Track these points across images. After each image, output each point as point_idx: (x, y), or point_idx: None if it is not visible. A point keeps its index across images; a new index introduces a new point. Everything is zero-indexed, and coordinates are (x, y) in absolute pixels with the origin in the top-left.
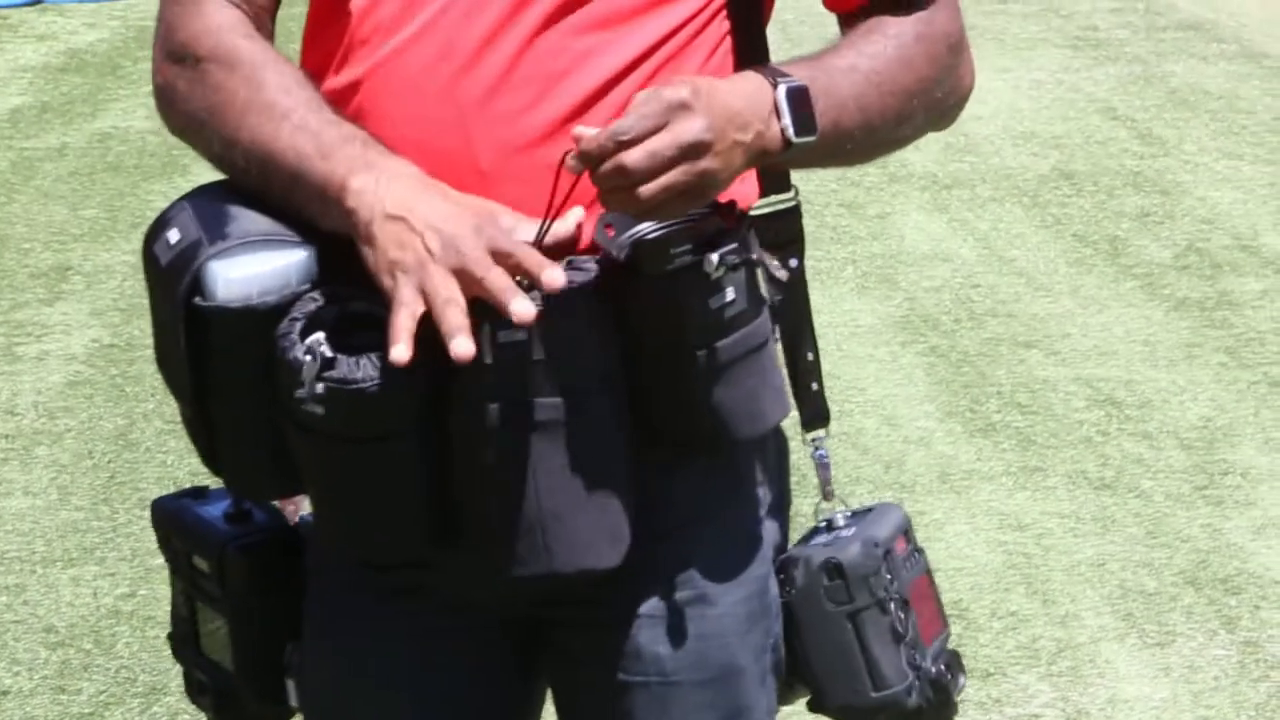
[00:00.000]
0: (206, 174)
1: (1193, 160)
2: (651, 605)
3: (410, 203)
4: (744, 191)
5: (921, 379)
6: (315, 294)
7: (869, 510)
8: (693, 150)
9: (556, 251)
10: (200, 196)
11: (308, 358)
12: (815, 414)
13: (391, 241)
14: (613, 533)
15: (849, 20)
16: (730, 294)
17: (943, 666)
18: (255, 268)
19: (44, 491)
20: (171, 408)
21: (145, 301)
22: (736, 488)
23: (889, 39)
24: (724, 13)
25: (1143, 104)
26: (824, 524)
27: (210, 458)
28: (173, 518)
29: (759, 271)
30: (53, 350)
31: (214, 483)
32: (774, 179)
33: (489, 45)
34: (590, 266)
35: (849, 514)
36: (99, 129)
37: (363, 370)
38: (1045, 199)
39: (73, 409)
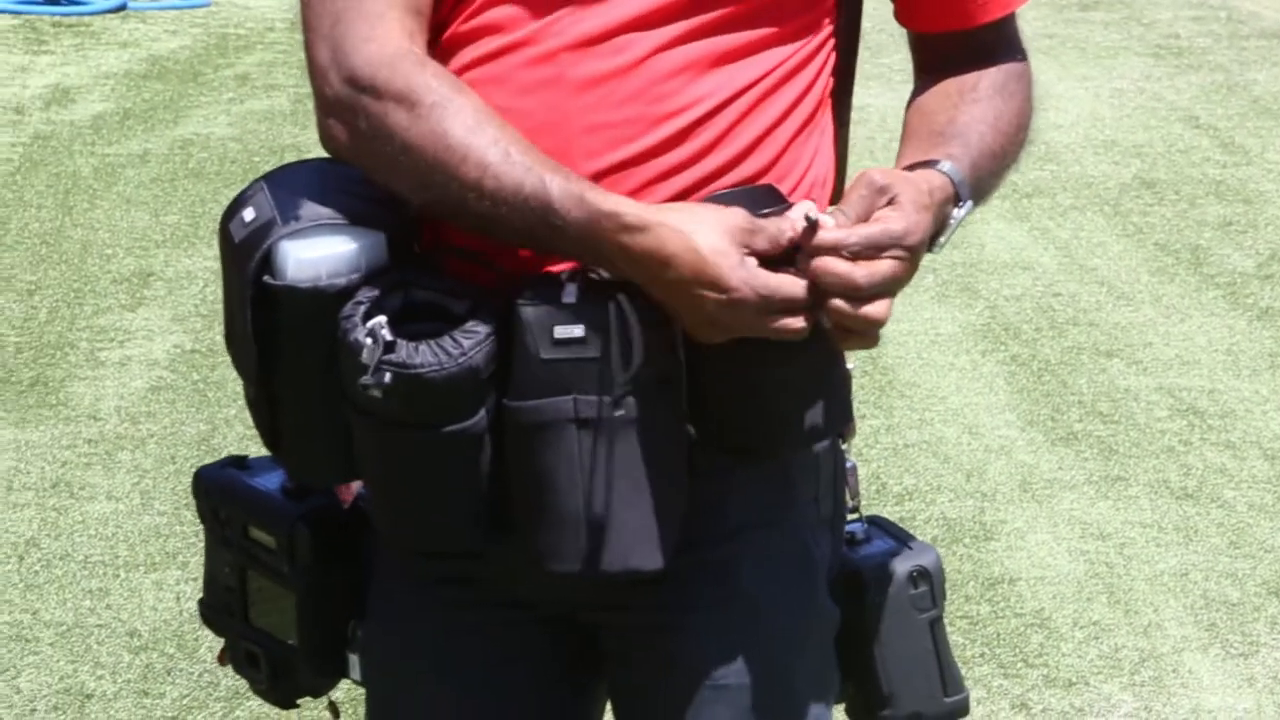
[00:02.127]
0: None
1: (1275, 169)
2: (704, 610)
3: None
4: (820, 197)
5: (1002, 388)
6: (383, 279)
7: (875, 520)
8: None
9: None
10: (278, 177)
11: (369, 341)
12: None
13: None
14: (661, 536)
15: (923, 41)
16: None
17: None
18: (326, 249)
19: (126, 496)
20: None
21: None
22: (792, 497)
23: (1008, 95)
24: (828, 47)
25: (1225, 112)
26: (844, 538)
27: (272, 440)
28: (225, 489)
29: None
30: (135, 356)
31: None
32: (840, 192)
33: (602, 59)
34: None
35: (863, 526)
36: (180, 135)
37: (422, 356)
38: (1127, 208)
39: (155, 414)
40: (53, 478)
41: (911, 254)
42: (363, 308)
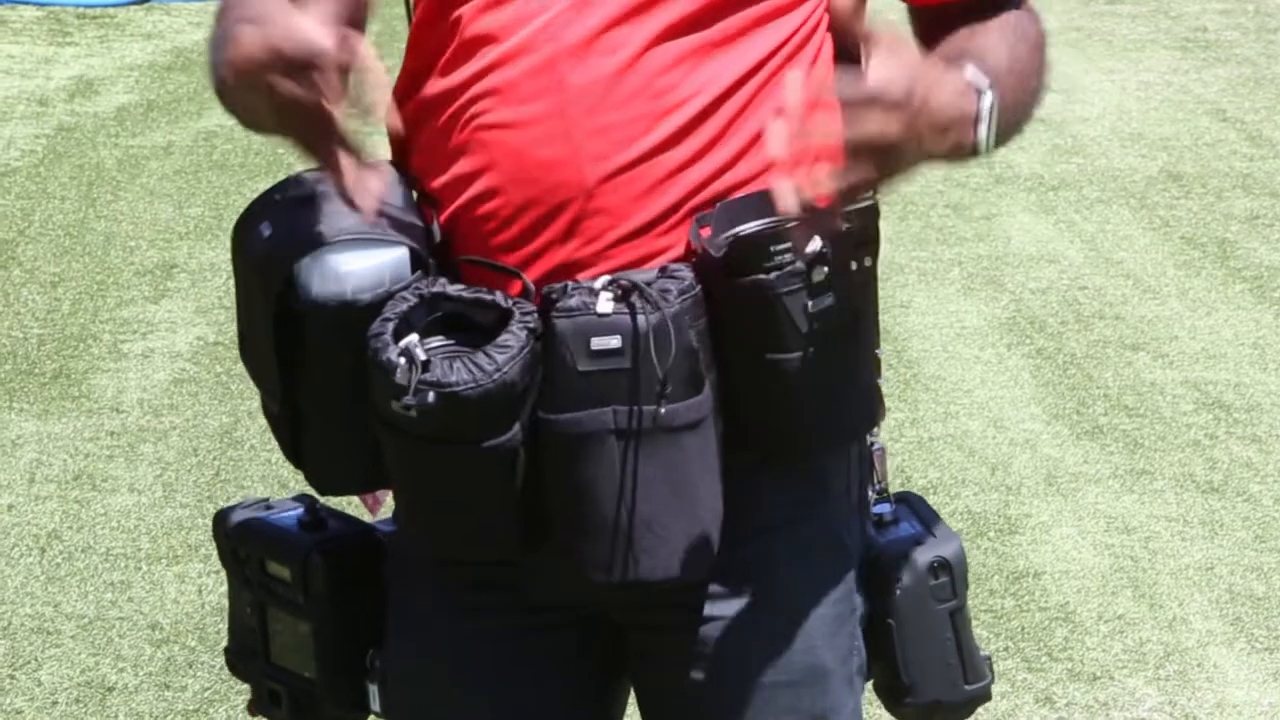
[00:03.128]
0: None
1: None
2: (738, 607)
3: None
4: None
5: (1028, 381)
6: (407, 293)
7: (906, 499)
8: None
9: (652, 261)
10: (292, 190)
11: (402, 360)
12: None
13: None
14: (702, 542)
15: (922, 14)
16: (829, 298)
17: (986, 652)
18: (352, 265)
19: (149, 489)
20: None
21: None
22: (824, 491)
23: (1020, 31)
24: (824, 25)
25: (1253, 105)
26: (872, 520)
27: (293, 451)
28: (242, 526)
29: (852, 271)
30: (158, 348)
31: (297, 489)
32: None
33: (600, 58)
34: (685, 273)
35: (891, 507)
36: (204, 127)
37: (457, 374)
38: (1153, 201)
39: (178, 406)
40: (75, 470)
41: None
42: (391, 324)
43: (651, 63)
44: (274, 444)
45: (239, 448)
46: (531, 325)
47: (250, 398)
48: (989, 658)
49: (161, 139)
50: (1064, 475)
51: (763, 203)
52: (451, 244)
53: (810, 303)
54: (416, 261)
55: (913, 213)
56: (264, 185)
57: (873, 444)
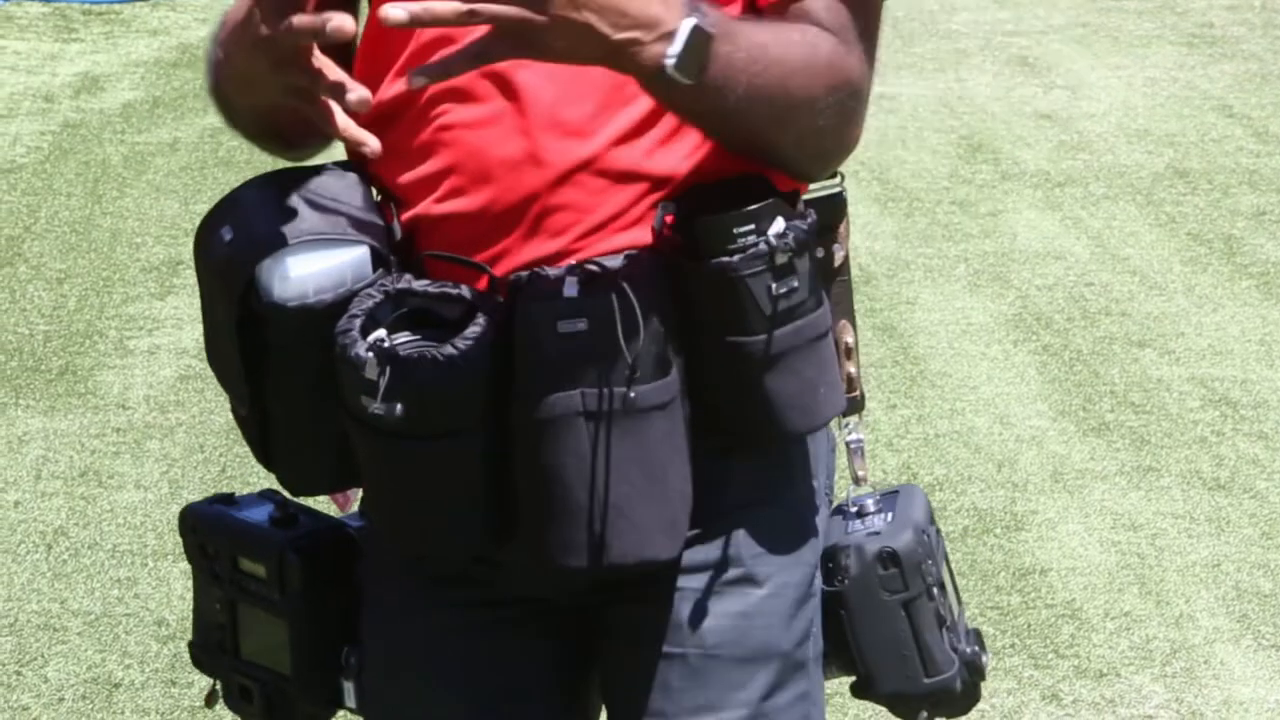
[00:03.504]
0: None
1: None
2: (698, 581)
3: None
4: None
5: (1034, 377)
6: (373, 290)
7: (895, 493)
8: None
9: (619, 243)
10: (251, 194)
11: (370, 355)
12: (851, 403)
13: None
14: (672, 524)
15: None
16: (794, 281)
17: (976, 646)
18: (312, 266)
19: (155, 485)
20: None
21: None
22: (790, 475)
23: (807, 43)
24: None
25: (1259, 101)
26: (853, 508)
27: (263, 453)
28: (212, 523)
29: (817, 259)
30: (164, 344)
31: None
32: None
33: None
34: (650, 259)
35: (877, 497)
36: (210, 124)
37: (424, 368)
38: (1159, 197)
39: (184, 403)
40: (81, 466)
41: None
42: (359, 320)
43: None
44: None
45: (245, 444)
46: (496, 316)
47: None
48: (977, 651)
49: (167, 135)
50: (1070, 472)
51: (726, 190)
52: (415, 242)
53: (774, 285)
54: (377, 260)
55: (919, 209)
56: None
57: (851, 435)
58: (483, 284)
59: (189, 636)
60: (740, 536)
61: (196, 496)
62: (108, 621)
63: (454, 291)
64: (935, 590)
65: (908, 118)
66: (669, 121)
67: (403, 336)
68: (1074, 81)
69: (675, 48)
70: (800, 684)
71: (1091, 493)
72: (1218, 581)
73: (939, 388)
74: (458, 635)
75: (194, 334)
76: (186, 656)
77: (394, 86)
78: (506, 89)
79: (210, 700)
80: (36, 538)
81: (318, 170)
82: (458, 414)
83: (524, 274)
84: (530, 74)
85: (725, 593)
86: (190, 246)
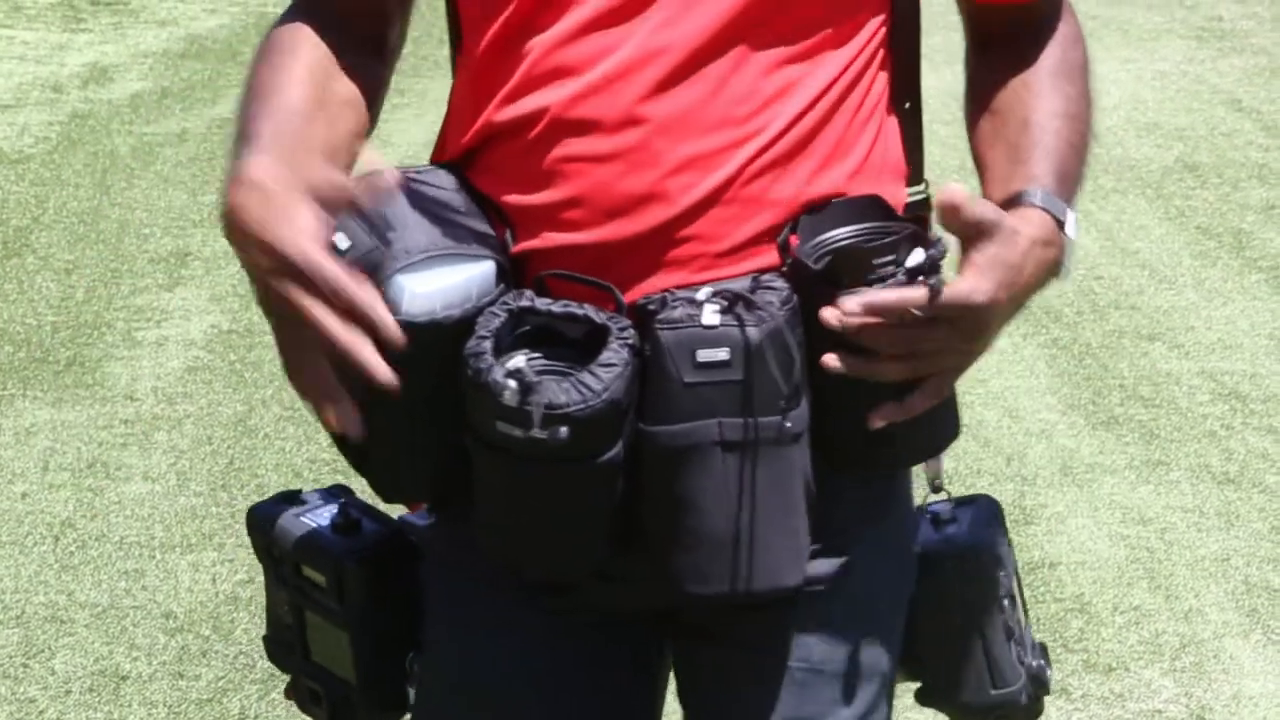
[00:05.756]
0: None
1: None
2: (806, 598)
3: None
4: (895, 192)
5: (1043, 371)
6: (496, 309)
7: (971, 501)
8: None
9: (744, 269)
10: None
11: (511, 382)
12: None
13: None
14: (799, 550)
15: (971, 11)
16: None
17: (1041, 660)
18: (441, 282)
19: (163, 477)
20: (290, 395)
21: None
22: (896, 492)
23: (1070, 74)
24: (888, 38)
25: (1268, 95)
26: (929, 515)
27: (358, 458)
28: (275, 527)
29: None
30: (172, 336)
31: (311, 478)
32: (914, 173)
33: (683, 89)
34: (780, 284)
35: (953, 505)
36: (219, 115)
37: (567, 394)
38: (1169, 191)
39: (192, 395)
40: (89, 458)
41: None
42: (488, 343)
43: (734, 90)
44: (288, 433)
45: (253, 436)
46: (631, 341)
47: (264, 386)
48: (1042, 665)
49: (175, 126)
50: (1079, 466)
51: (847, 209)
52: (528, 263)
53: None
54: (500, 275)
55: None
56: None
57: None
58: (610, 303)
59: (196, 629)
60: (848, 554)
61: (204, 489)
62: (115, 614)
63: (579, 312)
64: (1005, 602)
65: (939, 110)
66: (790, 146)
67: (532, 357)
68: None
69: (1067, 258)
70: (889, 701)
71: (1101, 487)
72: (1227, 576)
73: None
74: (528, 651)
75: (202, 325)
76: (194, 649)
77: (506, 110)
78: (633, 122)
79: (289, 694)
80: (44, 529)
81: (430, 176)
82: (592, 440)
83: (655, 297)
84: (666, 107)
85: (833, 611)
86: (199, 238)
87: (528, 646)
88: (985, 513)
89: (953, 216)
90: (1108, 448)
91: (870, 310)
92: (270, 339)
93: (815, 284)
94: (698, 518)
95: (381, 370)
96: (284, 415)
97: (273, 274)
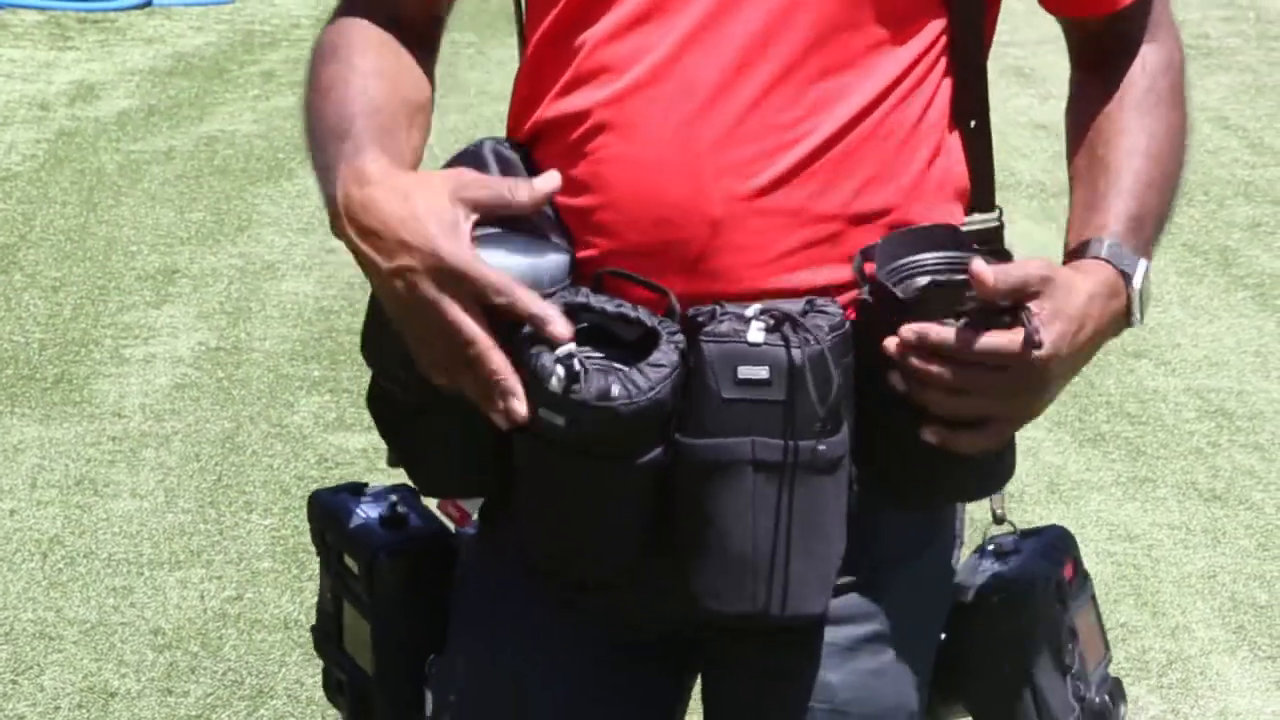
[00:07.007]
0: (313, 178)
1: None
2: (833, 634)
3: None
4: (953, 216)
5: None
6: (555, 301)
7: (1037, 533)
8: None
9: (796, 291)
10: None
11: (559, 368)
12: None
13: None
14: (825, 580)
15: (1067, 28)
16: None
17: (1106, 696)
18: (515, 262)
19: (150, 494)
20: (277, 412)
21: (251, 305)
22: (938, 530)
23: (1157, 109)
24: (948, 50)
25: (1254, 113)
26: (990, 546)
27: (404, 451)
28: (329, 513)
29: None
30: (159, 353)
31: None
32: (980, 196)
33: (724, 93)
34: (833, 308)
35: (1017, 536)
36: (205, 132)
37: (616, 387)
38: None
39: (179, 412)
40: (77, 475)
41: (1030, 368)
42: None
43: (777, 98)
44: (276, 449)
45: (241, 453)
46: (681, 346)
47: (251, 403)
48: (1107, 701)
49: (163, 144)
50: (1066, 482)
51: (926, 236)
52: (580, 264)
53: None
54: (571, 268)
55: None
56: (265, 190)
57: None
58: (664, 306)
59: (185, 645)
60: (882, 592)
61: (192, 506)
62: (103, 630)
63: (633, 314)
64: (1060, 634)
65: None
66: (837, 157)
67: (584, 352)
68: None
69: (1136, 310)
70: None
71: (1087, 503)
72: (1214, 592)
73: None
74: (566, 651)
75: (189, 343)
76: (182, 665)
77: (554, 106)
78: (679, 128)
79: (325, 683)
80: (32, 546)
81: (507, 160)
82: (635, 438)
83: (705, 309)
84: (707, 113)
85: (860, 649)
86: (186, 255)
87: (552, 663)
88: (1047, 544)
89: (985, 291)
90: (1094, 464)
91: (932, 345)
92: (258, 357)
93: (897, 313)
94: (723, 535)
95: (521, 412)
96: (271, 432)
97: (419, 274)
